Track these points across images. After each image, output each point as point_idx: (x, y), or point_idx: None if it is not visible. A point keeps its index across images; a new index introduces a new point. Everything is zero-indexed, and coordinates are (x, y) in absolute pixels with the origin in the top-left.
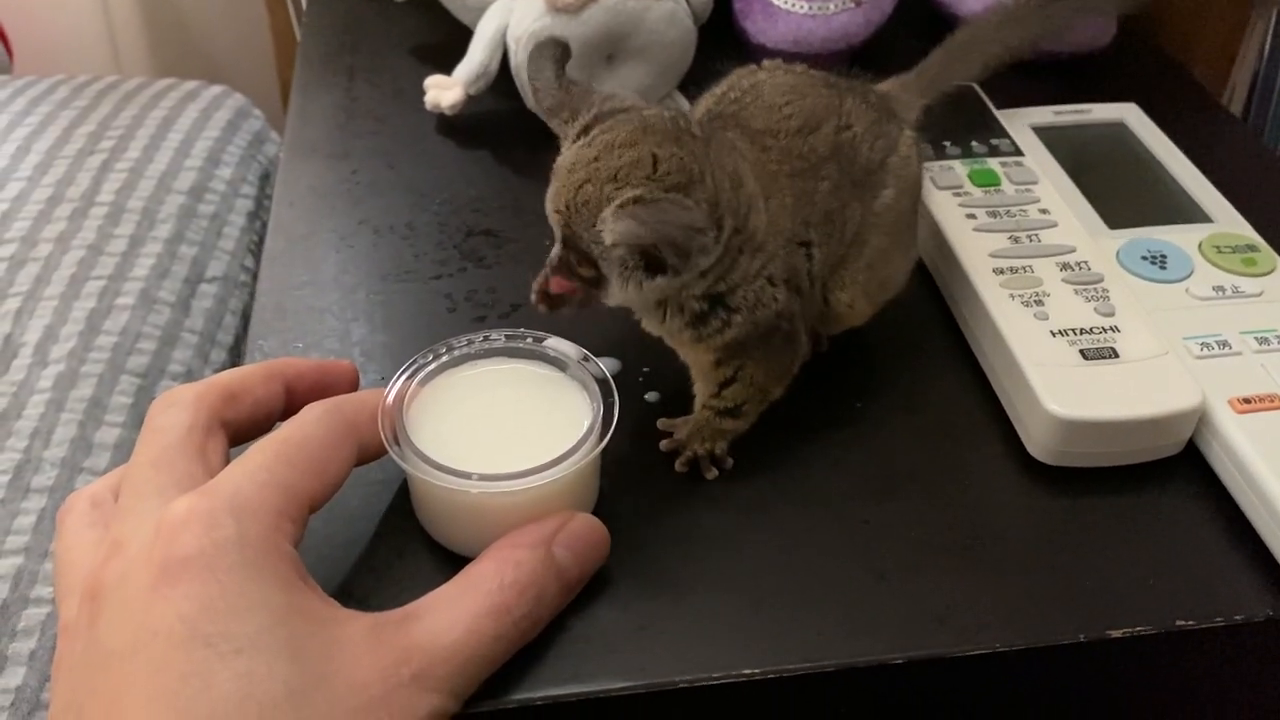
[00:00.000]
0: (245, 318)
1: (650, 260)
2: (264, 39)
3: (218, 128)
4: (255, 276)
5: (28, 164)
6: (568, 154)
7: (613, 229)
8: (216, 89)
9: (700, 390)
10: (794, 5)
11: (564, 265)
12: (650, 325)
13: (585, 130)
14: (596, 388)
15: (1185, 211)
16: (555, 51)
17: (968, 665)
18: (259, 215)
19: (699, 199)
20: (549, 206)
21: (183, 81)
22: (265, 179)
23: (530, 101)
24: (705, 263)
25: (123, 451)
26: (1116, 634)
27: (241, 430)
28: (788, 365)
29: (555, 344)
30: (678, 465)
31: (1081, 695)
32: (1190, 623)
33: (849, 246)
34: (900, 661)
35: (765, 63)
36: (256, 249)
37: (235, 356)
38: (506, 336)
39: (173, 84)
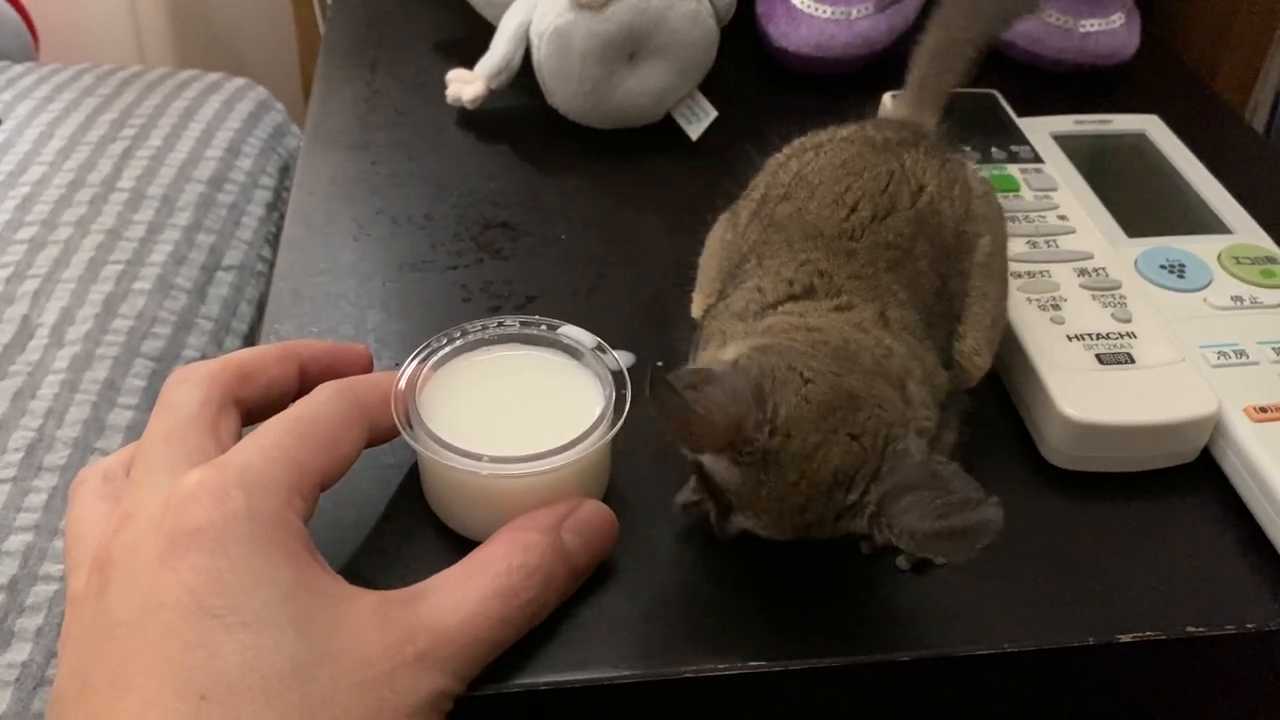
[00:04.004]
0: (260, 306)
1: None
2: (288, 33)
3: (239, 119)
4: (272, 266)
5: (50, 149)
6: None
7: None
8: (239, 81)
9: None
10: (817, 9)
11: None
12: None
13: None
14: (610, 377)
15: (1205, 222)
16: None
17: (975, 665)
18: (277, 207)
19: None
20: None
21: (206, 73)
22: (284, 171)
23: (552, 98)
24: None
25: (135, 433)
26: (1126, 639)
27: (254, 409)
28: None
29: (570, 332)
30: None
31: (1090, 699)
32: (1201, 629)
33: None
34: (907, 659)
35: (793, 145)
36: (274, 239)
37: (250, 344)
38: (521, 323)
39: (196, 75)
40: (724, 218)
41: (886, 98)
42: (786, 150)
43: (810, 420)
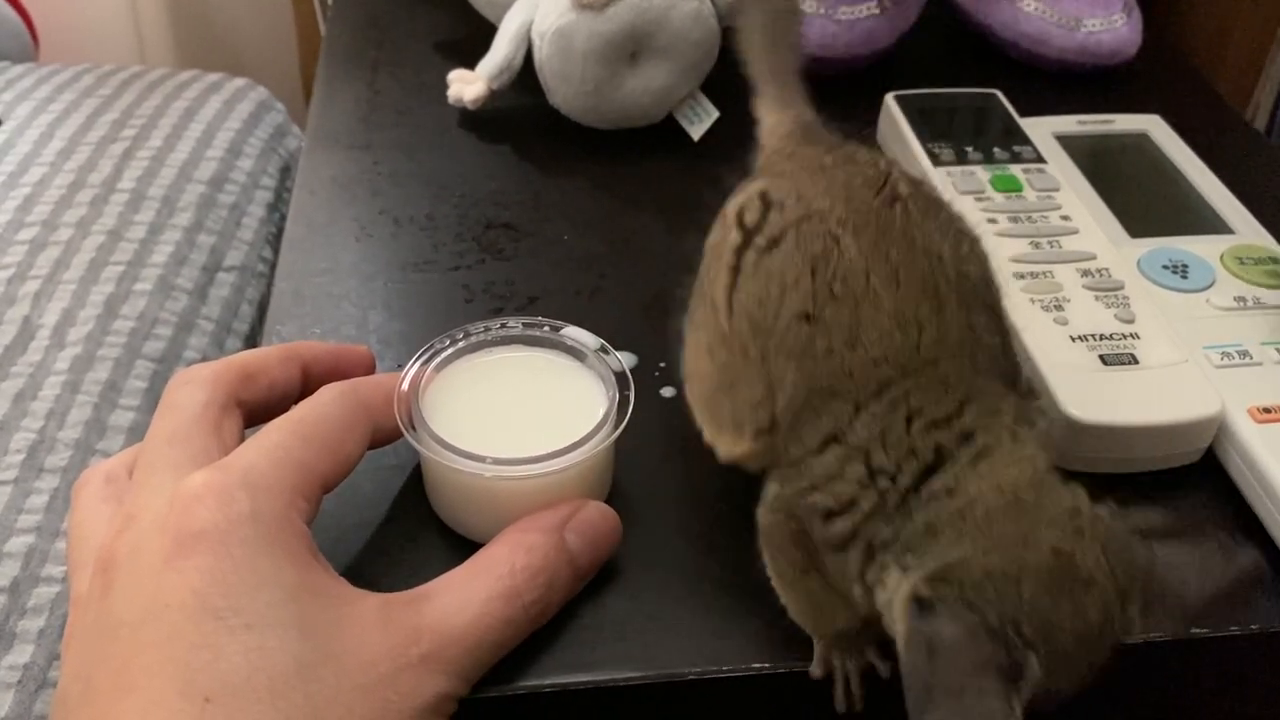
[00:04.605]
0: (262, 307)
1: None
2: (288, 34)
3: (240, 119)
4: (273, 267)
5: (51, 149)
6: None
7: None
8: (240, 81)
9: None
10: (819, 10)
11: None
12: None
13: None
14: (613, 378)
15: (1207, 222)
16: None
17: None
18: (278, 207)
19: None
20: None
21: (206, 73)
22: (285, 172)
23: (553, 98)
24: None
25: (136, 434)
26: (1130, 639)
27: (257, 410)
28: None
29: (573, 333)
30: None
31: (1091, 699)
32: (1205, 630)
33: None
34: None
35: (770, 236)
36: (275, 240)
37: (251, 345)
38: (524, 324)
39: (196, 75)
40: (703, 325)
41: (889, 98)
42: (763, 244)
43: (1064, 621)
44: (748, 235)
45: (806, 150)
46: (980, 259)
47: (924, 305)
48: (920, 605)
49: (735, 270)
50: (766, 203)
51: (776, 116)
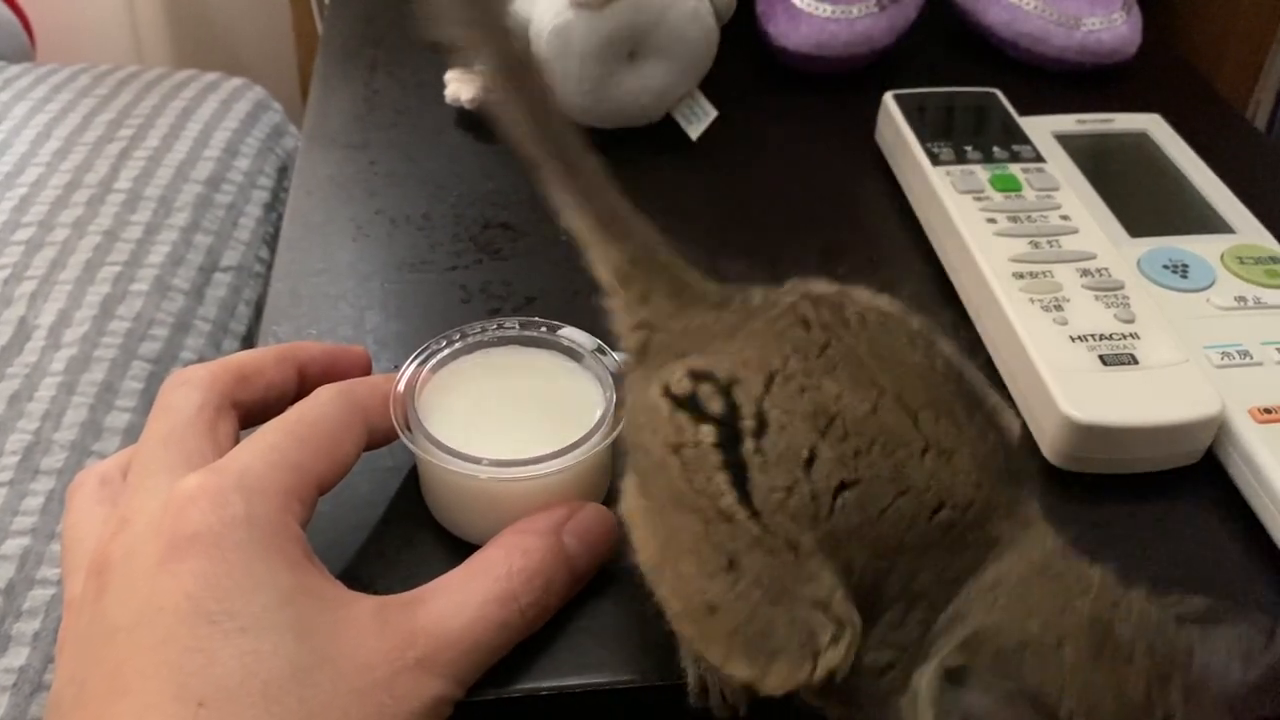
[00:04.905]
0: (258, 308)
1: None
2: (285, 33)
3: (237, 119)
4: (270, 267)
5: (47, 150)
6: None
7: None
8: (237, 81)
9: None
10: (817, 8)
11: None
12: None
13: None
14: (610, 379)
15: (1208, 222)
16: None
17: None
18: (275, 207)
19: None
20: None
21: (203, 73)
22: (282, 171)
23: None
24: None
25: (132, 436)
26: None
27: (253, 412)
28: None
29: (570, 334)
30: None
31: None
32: None
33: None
34: None
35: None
36: (272, 240)
37: (248, 346)
38: (520, 325)
39: (193, 75)
40: (702, 545)
41: (888, 98)
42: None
43: (1106, 693)
44: (723, 424)
45: (693, 315)
46: (933, 337)
47: (942, 422)
48: (950, 677)
49: (729, 467)
50: (715, 382)
51: (615, 258)
